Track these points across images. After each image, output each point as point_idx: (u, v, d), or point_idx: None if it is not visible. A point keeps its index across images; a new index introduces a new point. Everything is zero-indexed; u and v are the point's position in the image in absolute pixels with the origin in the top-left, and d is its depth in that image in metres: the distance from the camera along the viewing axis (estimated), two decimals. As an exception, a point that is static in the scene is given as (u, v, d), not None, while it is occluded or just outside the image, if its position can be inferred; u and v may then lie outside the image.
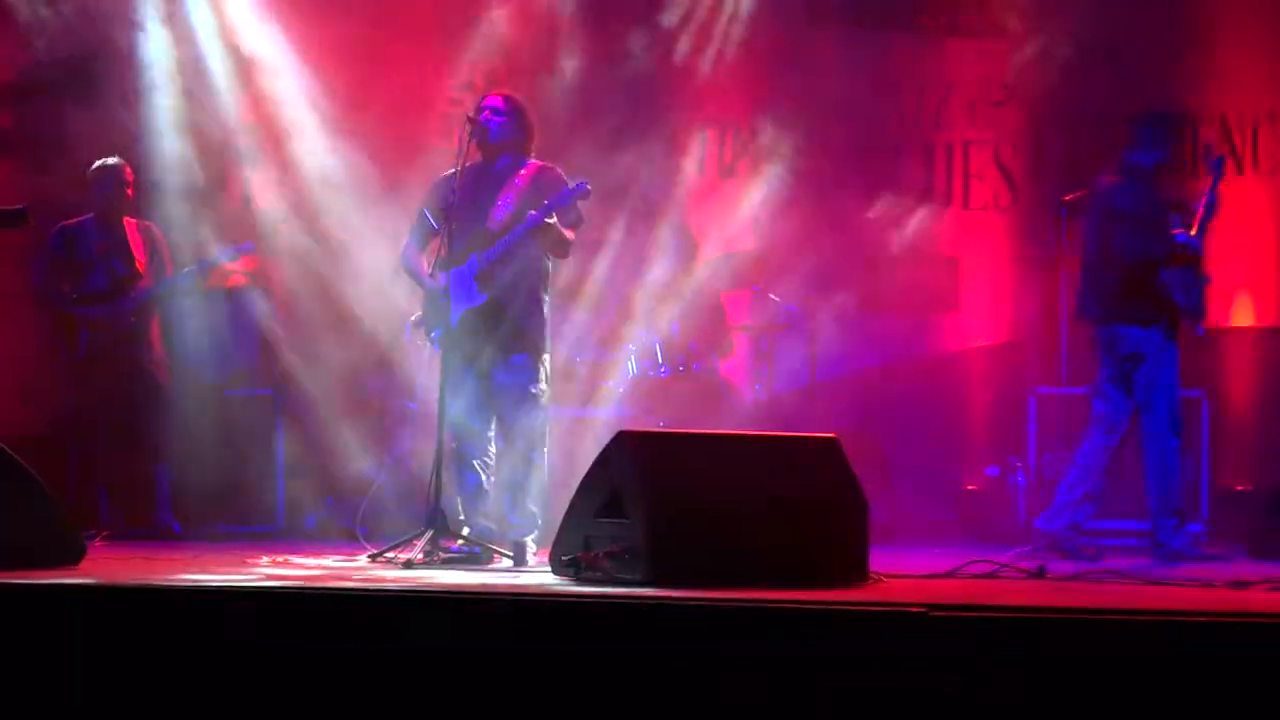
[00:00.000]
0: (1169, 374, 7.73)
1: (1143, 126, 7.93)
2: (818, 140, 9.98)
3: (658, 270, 9.24)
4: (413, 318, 7.42)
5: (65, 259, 8.95)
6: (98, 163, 9.04)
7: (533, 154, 7.26)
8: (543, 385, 7.13)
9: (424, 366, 7.49)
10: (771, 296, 9.33)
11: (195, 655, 4.58)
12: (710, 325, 9.21)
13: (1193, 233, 7.73)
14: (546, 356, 7.20)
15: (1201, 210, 7.80)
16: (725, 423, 8.39)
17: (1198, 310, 7.79)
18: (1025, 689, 4.27)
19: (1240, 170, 9.80)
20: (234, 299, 9.68)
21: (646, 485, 5.59)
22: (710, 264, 9.53)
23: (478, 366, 7.08)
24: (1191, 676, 4.24)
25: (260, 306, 9.70)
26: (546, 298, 7.22)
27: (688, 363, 8.85)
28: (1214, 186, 7.94)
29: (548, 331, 7.26)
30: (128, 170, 9.04)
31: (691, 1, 9.98)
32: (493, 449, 7.17)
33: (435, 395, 6.99)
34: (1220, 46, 9.82)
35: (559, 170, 7.22)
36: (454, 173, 7.00)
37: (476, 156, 7.12)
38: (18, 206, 6.92)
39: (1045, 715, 4.26)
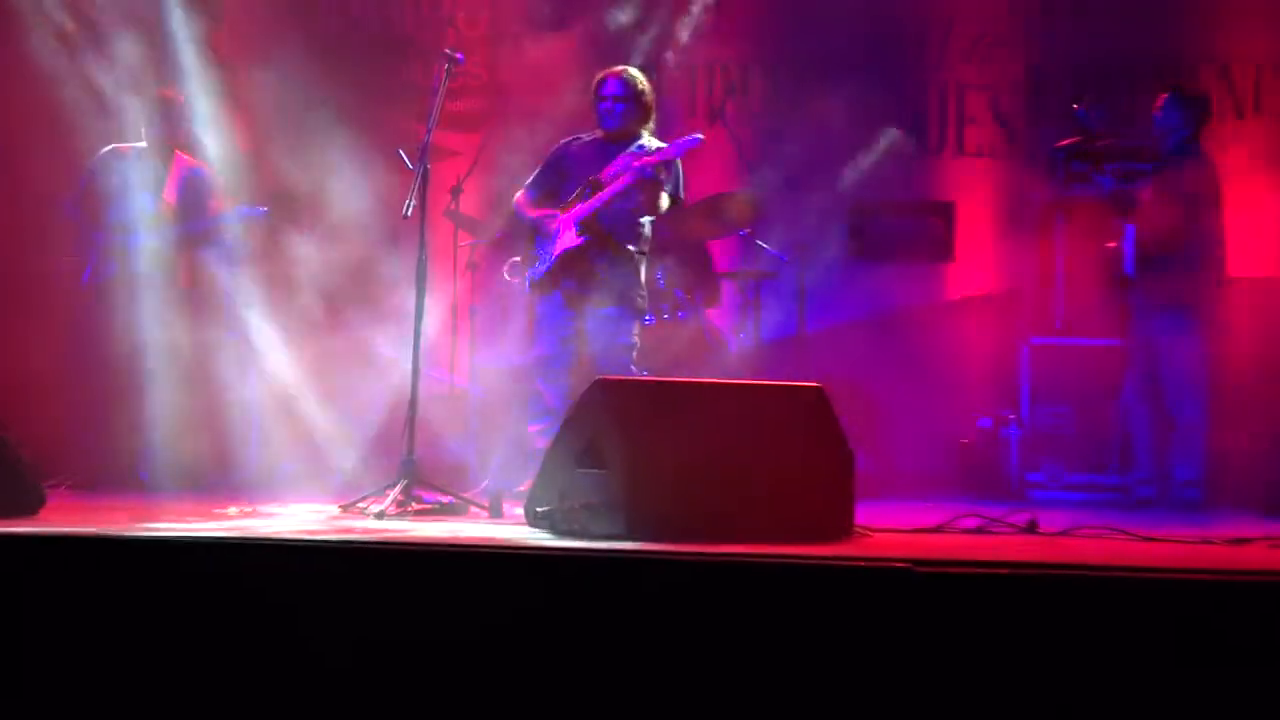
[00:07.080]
0: None
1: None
2: (807, 82, 9.85)
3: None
4: (514, 259, 7.86)
5: (97, 185, 8.53)
6: (160, 92, 8.70)
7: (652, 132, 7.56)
8: (633, 339, 7.40)
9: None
10: (760, 243, 9.19)
11: (146, 609, 4.47)
12: (696, 273, 9.08)
13: None
14: (641, 312, 7.47)
15: None
16: (710, 372, 8.31)
17: None
18: (1012, 648, 4.20)
19: (1240, 115, 9.72)
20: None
21: (625, 436, 5.46)
22: (697, 208, 9.36)
23: (573, 309, 7.39)
24: (1186, 634, 4.17)
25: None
26: (642, 254, 7.47)
27: (673, 311, 8.73)
28: None
29: (641, 286, 7.47)
30: (181, 102, 8.67)
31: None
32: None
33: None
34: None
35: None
36: (573, 139, 7.59)
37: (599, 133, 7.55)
38: None
39: (1031, 675, 4.18)
